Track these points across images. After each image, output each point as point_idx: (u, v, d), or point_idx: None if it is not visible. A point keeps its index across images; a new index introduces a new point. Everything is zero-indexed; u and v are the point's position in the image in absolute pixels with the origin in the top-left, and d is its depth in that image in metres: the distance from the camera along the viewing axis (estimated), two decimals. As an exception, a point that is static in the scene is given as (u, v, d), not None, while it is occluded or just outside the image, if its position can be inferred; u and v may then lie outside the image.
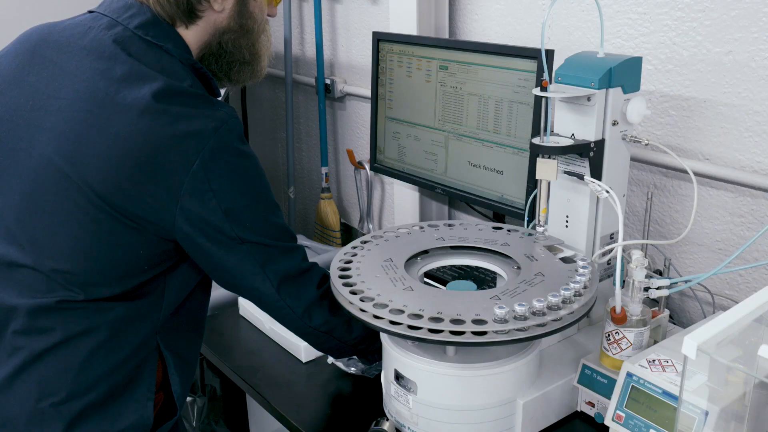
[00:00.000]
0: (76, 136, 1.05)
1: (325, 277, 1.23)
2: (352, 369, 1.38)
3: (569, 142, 1.23)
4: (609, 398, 1.12)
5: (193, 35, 1.16)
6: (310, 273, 1.21)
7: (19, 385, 1.07)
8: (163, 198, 1.04)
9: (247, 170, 1.11)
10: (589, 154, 1.23)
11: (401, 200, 2.04)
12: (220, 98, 1.18)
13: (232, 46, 1.20)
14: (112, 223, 1.05)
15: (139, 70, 1.07)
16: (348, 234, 2.40)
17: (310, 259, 1.24)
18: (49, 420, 1.06)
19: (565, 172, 1.29)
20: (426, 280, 1.33)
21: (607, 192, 1.19)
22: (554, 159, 1.22)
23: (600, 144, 1.24)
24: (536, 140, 1.23)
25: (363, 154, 2.27)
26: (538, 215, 1.28)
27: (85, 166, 1.04)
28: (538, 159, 1.23)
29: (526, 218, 1.48)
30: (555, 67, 1.31)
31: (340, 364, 1.39)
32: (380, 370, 1.26)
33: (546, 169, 1.22)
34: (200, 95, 1.09)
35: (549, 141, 1.23)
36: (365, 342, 1.28)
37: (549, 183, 1.26)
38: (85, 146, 1.04)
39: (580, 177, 1.26)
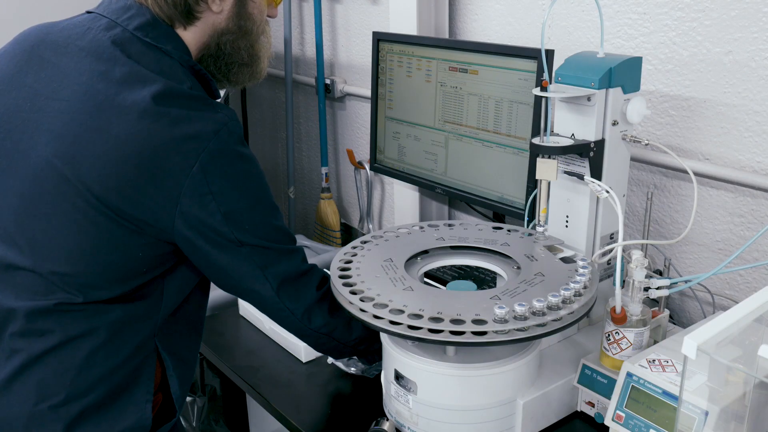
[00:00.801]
0: (74, 137, 1.04)
1: (325, 278, 1.23)
2: (352, 369, 1.38)
3: (569, 142, 1.23)
4: (609, 398, 1.12)
5: (191, 36, 1.15)
6: (309, 275, 1.20)
7: (17, 387, 1.07)
8: (162, 200, 1.04)
9: (247, 173, 1.10)
10: (589, 154, 1.23)
11: (401, 200, 2.04)
12: (219, 100, 1.18)
13: (230, 47, 1.19)
14: (110, 226, 1.05)
15: (138, 71, 1.06)
16: (348, 234, 2.40)
17: (310, 260, 1.24)
18: (47, 422, 1.06)
19: (565, 172, 1.29)
20: (426, 280, 1.33)
21: (607, 192, 1.19)
22: (554, 159, 1.22)
23: (600, 144, 1.24)
24: (536, 140, 1.23)
25: (363, 154, 2.27)
26: (538, 215, 1.28)
27: (83, 168, 1.03)
28: (538, 159, 1.23)
29: (526, 218, 1.48)
30: (555, 67, 1.31)
31: (340, 364, 1.39)
32: (380, 370, 1.26)
33: (546, 169, 1.22)
34: (200, 97, 1.08)
35: (549, 141, 1.23)
36: (365, 343, 1.28)
37: (549, 183, 1.26)
38: (84, 148, 1.03)
39: (580, 177, 1.26)
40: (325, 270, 1.26)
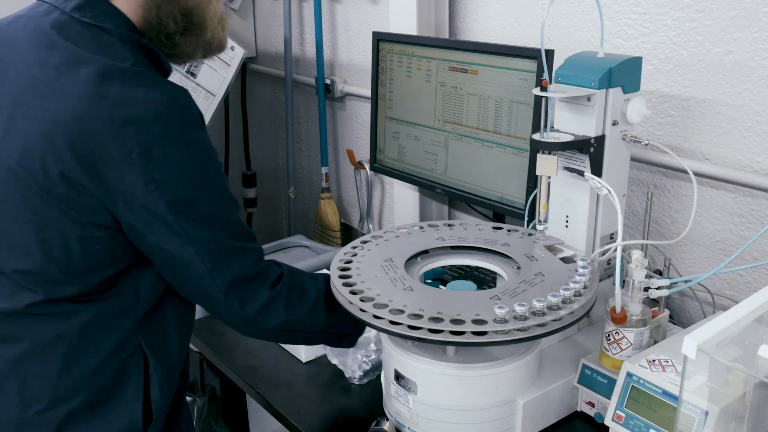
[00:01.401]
0: (19, 131, 1.01)
1: (281, 276, 1.16)
2: (355, 380, 1.37)
3: (570, 137, 1.23)
4: (609, 398, 1.12)
5: (127, 8, 1.08)
6: (263, 275, 1.12)
7: (1, 394, 1.06)
8: (104, 189, 0.99)
9: (196, 158, 1.03)
10: (590, 150, 1.23)
11: (401, 200, 2.03)
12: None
13: (156, 15, 1.11)
14: (61, 218, 1.01)
15: (75, 54, 1.01)
16: (348, 234, 2.40)
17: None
18: (37, 427, 1.05)
19: (566, 168, 1.29)
20: (426, 280, 1.33)
21: (608, 190, 1.19)
22: (554, 155, 1.22)
23: (600, 140, 1.24)
24: (536, 136, 1.23)
25: (363, 154, 2.27)
26: (539, 212, 1.28)
27: (29, 160, 1.00)
28: (538, 155, 1.23)
29: (526, 218, 1.48)
30: (555, 67, 1.31)
31: (343, 367, 1.39)
32: (379, 373, 1.26)
33: (546, 165, 1.22)
34: (143, 75, 1.01)
35: (549, 137, 1.23)
36: (333, 326, 1.22)
37: (549, 179, 1.26)
38: (28, 140, 1.00)
39: (581, 173, 1.25)
40: (285, 266, 1.20)
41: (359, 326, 1.24)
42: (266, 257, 1.16)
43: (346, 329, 1.25)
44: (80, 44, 1.02)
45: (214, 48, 1.20)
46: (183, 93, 1.04)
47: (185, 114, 1.02)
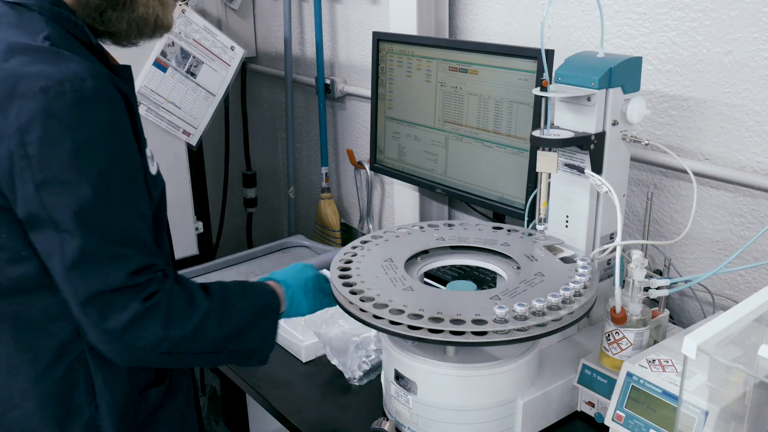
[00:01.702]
0: None
1: (160, 289, 0.98)
2: (355, 380, 1.37)
3: (570, 134, 1.23)
4: (609, 398, 1.12)
5: None
6: (137, 288, 0.96)
7: None
8: None
9: (85, 142, 0.92)
10: (590, 147, 1.23)
11: (401, 200, 2.04)
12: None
13: None
14: None
15: None
16: (348, 234, 2.40)
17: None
18: None
19: (566, 165, 1.29)
20: (426, 280, 1.33)
21: (608, 188, 1.19)
22: (554, 152, 1.22)
23: (600, 136, 1.23)
24: (537, 133, 1.23)
25: (363, 154, 2.27)
26: (539, 209, 1.28)
27: None
28: (538, 152, 1.23)
29: (526, 218, 1.48)
30: (555, 67, 1.31)
31: (342, 368, 1.39)
32: (378, 374, 1.26)
33: (546, 162, 1.22)
34: (48, 50, 0.95)
35: (549, 134, 1.22)
36: (231, 342, 1.06)
37: (549, 176, 1.26)
38: None
39: (581, 170, 1.25)
40: (177, 275, 1.05)
41: (268, 340, 1.10)
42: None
43: (248, 345, 1.08)
44: (1, 25, 0.98)
45: (152, 25, 1.10)
46: (88, 70, 0.94)
47: (82, 92, 0.92)
